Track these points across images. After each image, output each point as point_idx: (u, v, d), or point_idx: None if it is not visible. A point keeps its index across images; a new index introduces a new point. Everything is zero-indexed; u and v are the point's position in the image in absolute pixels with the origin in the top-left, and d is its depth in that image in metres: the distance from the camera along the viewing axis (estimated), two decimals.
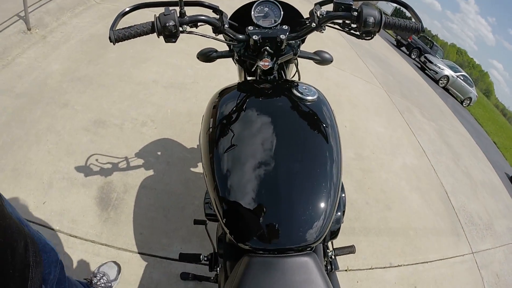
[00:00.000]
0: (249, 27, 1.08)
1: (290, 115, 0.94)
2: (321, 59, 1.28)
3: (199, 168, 2.18)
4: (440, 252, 2.92)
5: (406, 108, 6.20)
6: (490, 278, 3.31)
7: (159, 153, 2.14)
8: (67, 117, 2.38)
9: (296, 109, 0.95)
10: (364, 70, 6.79)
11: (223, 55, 1.21)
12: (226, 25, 1.03)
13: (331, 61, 1.31)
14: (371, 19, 0.92)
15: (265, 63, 1.06)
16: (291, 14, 1.18)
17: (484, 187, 5.86)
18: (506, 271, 3.80)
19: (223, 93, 1.06)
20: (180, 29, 0.94)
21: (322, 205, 0.80)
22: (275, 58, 1.09)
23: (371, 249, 2.41)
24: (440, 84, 17.05)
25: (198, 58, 1.24)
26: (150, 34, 0.96)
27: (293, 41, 1.11)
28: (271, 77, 1.18)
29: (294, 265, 0.75)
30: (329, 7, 1.07)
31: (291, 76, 1.35)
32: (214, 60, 1.23)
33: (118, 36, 0.94)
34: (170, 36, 0.94)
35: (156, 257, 1.69)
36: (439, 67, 17.29)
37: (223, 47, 1.16)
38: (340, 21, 1.02)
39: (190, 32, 0.98)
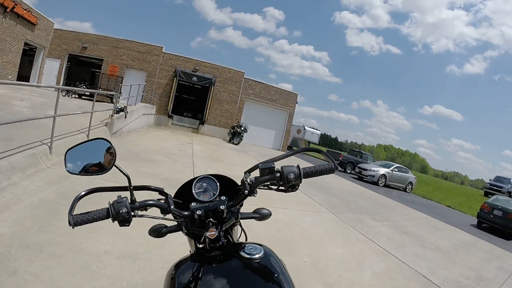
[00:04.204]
0: (192, 203, 1.21)
1: (243, 276, 1.09)
2: (260, 216, 1.41)
3: None
4: None
5: (358, 220, 6.79)
6: None
7: None
8: (16, 286, 2.30)
9: (247, 269, 1.11)
10: (308, 202, 7.48)
11: (172, 230, 1.25)
12: (172, 206, 1.18)
13: (270, 215, 1.44)
14: (292, 175, 1.18)
15: (211, 233, 1.14)
16: (227, 184, 1.37)
17: (457, 250, 6.50)
18: None
19: (178, 265, 1.20)
20: (132, 213, 1.09)
21: None
22: (220, 226, 1.18)
23: None
24: (380, 184, 18.38)
25: (149, 234, 1.28)
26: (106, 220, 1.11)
27: (234, 208, 1.25)
28: (220, 243, 1.21)
29: None
30: (257, 172, 1.27)
31: (238, 236, 1.40)
32: (165, 235, 1.27)
33: (77, 221, 1.07)
34: (124, 221, 1.09)
35: None
36: (374, 170, 18.99)
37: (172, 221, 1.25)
38: (268, 184, 1.25)
39: (141, 216, 1.13)
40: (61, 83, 20.84)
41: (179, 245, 3.35)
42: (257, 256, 1.13)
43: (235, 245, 1.24)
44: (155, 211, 1.16)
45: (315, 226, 5.71)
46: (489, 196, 21.18)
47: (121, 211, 1.08)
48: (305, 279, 3.52)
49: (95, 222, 1.10)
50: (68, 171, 1.20)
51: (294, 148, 33.43)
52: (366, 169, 19.39)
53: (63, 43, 20.97)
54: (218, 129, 22.97)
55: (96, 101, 15.76)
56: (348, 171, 22.37)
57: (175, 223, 1.27)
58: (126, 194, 1.13)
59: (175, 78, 22.16)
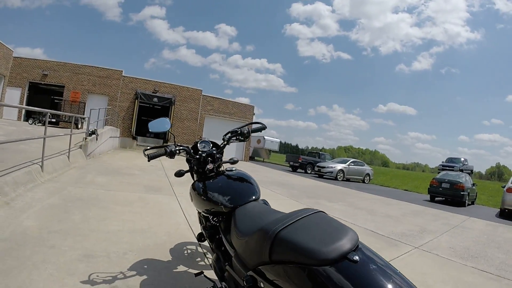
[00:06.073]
0: (199, 151, 2.40)
1: (228, 179, 2.24)
2: (233, 161, 2.70)
3: (173, 264, 2.98)
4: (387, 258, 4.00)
5: (314, 202, 7.90)
6: (447, 251, 4.78)
7: (145, 266, 2.95)
8: (58, 254, 2.98)
9: (230, 176, 2.27)
10: (271, 194, 8.56)
11: (186, 171, 2.48)
12: (191, 151, 2.38)
13: (238, 161, 2.72)
14: (245, 131, 2.46)
15: (210, 165, 2.33)
16: (215, 144, 2.58)
17: (406, 216, 7.60)
18: (458, 242, 5.44)
19: (193, 184, 2.34)
20: (175, 152, 2.22)
21: (255, 191, 2.17)
22: (213, 164, 2.37)
23: None
24: (339, 179, 19.56)
25: (175, 175, 2.41)
26: (164, 156, 2.21)
27: (218, 155, 2.45)
28: (214, 173, 2.38)
29: (256, 204, 2.02)
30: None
31: None
32: (183, 175, 2.43)
33: (150, 157, 2.18)
34: (172, 154, 2.20)
35: None
36: (332, 167, 20.24)
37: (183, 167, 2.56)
38: (235, 137, 2.47)
39: (179, 154, 2.28)
40: (23, 112, 20.69)
41: (172, 225, 4.40)
42: (233, 168, 2.35)
43: (221, 170, 2.43)
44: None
45: (276, 206, 6.63)
46: None
47: (171, 150, 2.22)
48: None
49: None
50: (150, 131, 2.50)
51: (256, 158, 34.82)
52: (324, 167, 20.58)
53: (23, 71, 20.85)
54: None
55: (62, 127, 16.01)
56: (309, 171, 23.51)
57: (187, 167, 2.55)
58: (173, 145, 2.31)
59: (136, 100, 22.67)
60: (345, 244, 1.21)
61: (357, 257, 1.16)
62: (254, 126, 2.62)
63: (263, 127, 2.60)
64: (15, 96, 20.29)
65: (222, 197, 2.07)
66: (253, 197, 2.10)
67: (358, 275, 1.12)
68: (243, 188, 2.19)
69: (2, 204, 4.12)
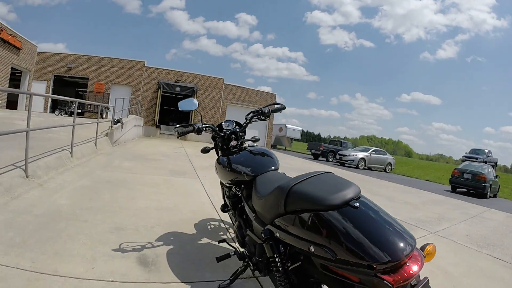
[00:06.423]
0: (223, 129, 2.62)
1: (249, 153, 2.45)
2: (254, 140, 2.88)
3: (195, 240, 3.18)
4: None
5: None
6: (463, 238, 4.86)
7: (172, 238, 3.16)
8: (91, 227, 3.22)
9: (251, 151, 2.47)
10: None
11: (212, 148, 2.71)
12: (217, 129, 2.60)
13: (259, 140, 2.91)
14: (266, 110, 2.63)
15: (233, 142, 2.58)
16: (238, 123, 2.75)
17: (425, 204, 7.65)
18: (475, 231, 5.44)
19: (218, 159, 2.58)
20: (202, 129, 2.44)
21: (275, 163, 2.38)
22: (237, 140, 2.61)
23: None
24: (360, 167, 19.46)
25: (201, 152, 2.66)
26: (192, 133, 2.43)
27: (241, 133, 2.66)
28: (237, 149, 2.62)
29: (275, 172, 2.21)
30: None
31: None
32: (209, 152, 2.66)
33: (179, 133, 2.38)
34: (199, 131, 2.41)
35: (195, 282, 2.45)
36: (353, 155, 20.16)
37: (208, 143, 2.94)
38: (257, 117, 2.62)
39: (205, 131, 2.50)
40: (49, 104, 21.44)
41: (196, 204, 4.63)
42: (255, 145, 2.60)
43: (244, 147, 2.62)
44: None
45: None
46: None
47: (199, 127, 2.44)
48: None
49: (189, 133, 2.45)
50: (180, 110, 2.72)
51: (278, 146, 34.96)
52: (345, 155, 20.56)
53: (48, 65, 21.55)
54: (205, 135, 23.90)
55: (87, 117, 16.52)
56: (330, 159, 23.60)
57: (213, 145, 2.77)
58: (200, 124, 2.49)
59: (159, 90, 23.11)
60: (348, 193, 1.42)
61: (357, 204, 1.36)
62: (274, 106, 2.77)
63: (283, 107, 2.76)
64: (41, 89, 20.91)
65: (244, 168, 2.28)
66: (273, 167, 2.29)
67: (358, 219, 1.33)
68: (264, 159, 2.38)
69: (36, 185, 4.40)
